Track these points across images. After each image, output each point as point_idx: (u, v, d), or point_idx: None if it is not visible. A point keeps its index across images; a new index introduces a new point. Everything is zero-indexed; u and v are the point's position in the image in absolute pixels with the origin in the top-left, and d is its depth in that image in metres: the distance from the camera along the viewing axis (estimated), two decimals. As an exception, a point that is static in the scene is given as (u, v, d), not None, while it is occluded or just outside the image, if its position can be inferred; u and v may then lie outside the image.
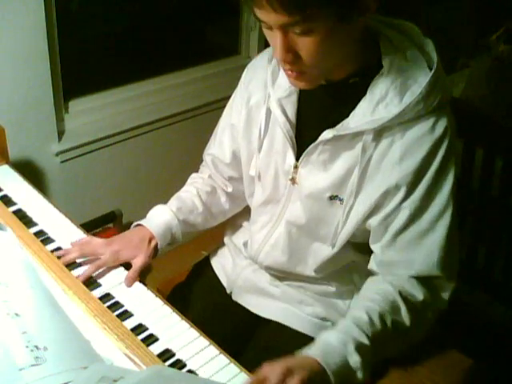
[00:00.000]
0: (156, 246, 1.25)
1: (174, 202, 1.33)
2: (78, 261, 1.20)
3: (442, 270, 1.08)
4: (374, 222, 1.10)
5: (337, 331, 1.01)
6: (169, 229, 1.27)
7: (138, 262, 1.20)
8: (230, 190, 1.37)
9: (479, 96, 2.15)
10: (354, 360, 0.98)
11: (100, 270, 1.19)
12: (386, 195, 1.06)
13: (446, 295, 1.12)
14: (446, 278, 1.11)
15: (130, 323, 1.07)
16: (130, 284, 1.17)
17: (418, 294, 1.09)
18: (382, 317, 1.04)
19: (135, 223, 1.29)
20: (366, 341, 1.00)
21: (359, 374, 0.99)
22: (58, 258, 1.19)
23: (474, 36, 3.17)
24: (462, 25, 3.21)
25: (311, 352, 0.97)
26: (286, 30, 0.95)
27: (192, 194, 1.35)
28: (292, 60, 0.99)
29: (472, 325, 1.63)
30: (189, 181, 1.41)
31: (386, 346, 1.06)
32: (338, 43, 0.98)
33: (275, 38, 0.96)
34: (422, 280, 1.10)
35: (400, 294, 1.08)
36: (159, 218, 1.28)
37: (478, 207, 1.63)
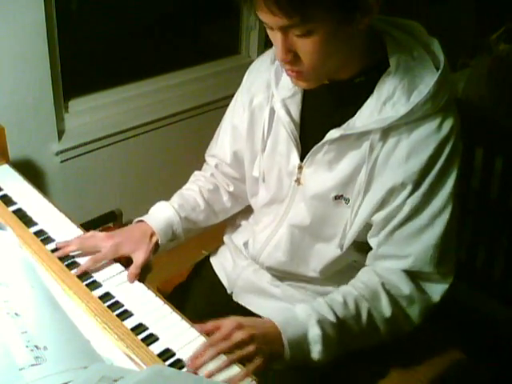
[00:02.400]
0: (157, 242, 1.25)
1: (175, 198, 1.33)
2: (77, 260, 1.20)
3: (435, 266, 1.09)
4: (377, 217, 1.10)
5: (306, 305, 1.03)
6: (170, 225, 1.27)
7: (139, 257, 1.20)
8: (231, 189, 1.37)
9: (479, 96, 2.14)
10: (314, 332, 0.99)
11: (100, 267, 1.19)
12: (392, 192, 1.07)
13: (437, 293, 1.12)
14: (440, 275, 1.11)
15: (130, 323, 1.07)
16: (132, 280, 1.17)
17: (404, 288, 1.09)
18: (357, 301, 1.05)
19: (137, 219, 1.29)
20: (332, 318, 1.01)
21: (316, 349, 0.99)
22: (53, 251, 1.19)
23: (473, 36, 3.17)
24: (462, 25, 3.21)
25: (275, 318, 0.99)
26: (286, 31, 0.96)
27: (194, 191, 1.35)
28: (292, 60, 1.00)
29: (472, 325, 1.63)
30: (191, 178, 1.41)
31: (357, 332, 1.06)
32: (340, 45, 0.99)
33: (277, 38, 0.98)
34: (413, 275, 1.10)
35: (383, 284, 1.09)
36: (160, 215, 1.28)
37: (478, 207, 1.63)
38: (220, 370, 0.95)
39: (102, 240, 1.21)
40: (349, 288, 1.09)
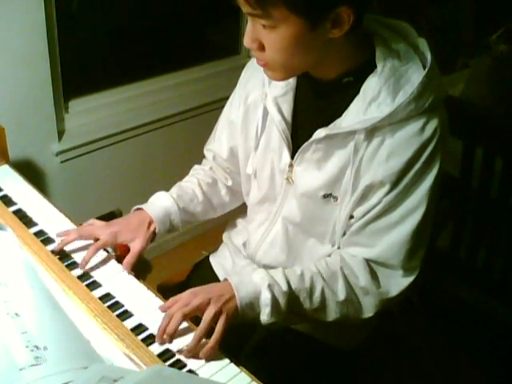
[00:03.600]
0: (154, 230, 1.26)
1: (174, 189, 1.35)
2: (77, 260, 1.20)
3: (401, 261, 1.11)
4: (357, 213, 1.12)
5: (263, 270, 1.09)
6: (168, 215, 1.29)
7: (136, 246, 1.22)
8: (229, 183, 1.38)
9: (479, 96, 2.14)
10: (265, 296, 1.04)
11: (100, 267, 1.19)
12: (370, 189, 1.08)
13: (396, 288, 1.14)
14: (403, 270, 1.13)
15: (130, 323, 1.07)
16: (128, 269, 1.18)
17: (361, 277, 1.12)
18: (313, 277, 1.10)
19: (135, 207, 1.30)
20: (284, 286, 1.06)
21: (266, 312, 1.05)
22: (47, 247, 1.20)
23: (473, 36, 3.17)
24: (462, 25, 3.21)
25: (230, 278, 1.06)
26: (254, 19, 0.98)
27: (193, 183, 1.37)
28: (257, 49, 1.02)
29: (472, 325, 1.63)
30: (191, 172, 1.43)
31: (307, 306, 1.10)
32: (307, 47, 1.00)
33: (248, 24, 1.01)
34: (375, 265, 1.13)
35: (342, 269, 1.12)
36: (159, 203, 1.29)
37: (478, 207, 1.63)
38: (197, 343, 1.00)
39: (101, 228, 1.22)
40: (310, 264, 1.14)
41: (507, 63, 2.14)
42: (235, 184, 1.38)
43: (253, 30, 1.00)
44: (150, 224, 1.25)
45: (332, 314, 1.12)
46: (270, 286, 1.05)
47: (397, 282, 1.13)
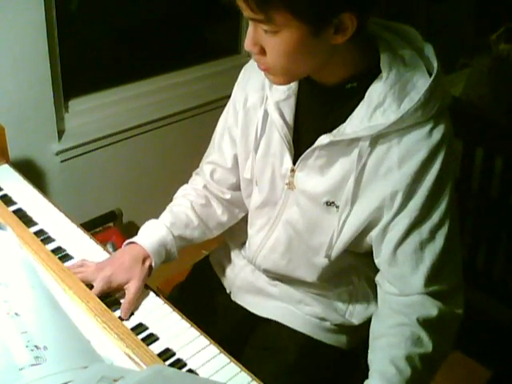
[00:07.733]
0: (150, 265, 1.19)
1: (167, 216, 1.27)
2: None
3: (448, 279, 1.08)
4: (374, 233, 1.09)
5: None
6: (163, 245, 1.22)
7: (131, 289, 1.13)
8: (228, 196, 1.32)
9: (479, 96, 2.15)
10: None
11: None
12: (384, 203, 1.05)
13: (458, 300, 1.11)
14: (455, 286, 1.10)
15: (130, 323, 1.07)
16: (126, 315, 1.10)
17: (432, 309, 1.07)
18: (408, 359, 1.01)
19: (127, 241, 1.22)
20: None
21: None
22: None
23: (473, 36, 3.17)
24: (462, 25, 3.21)
25: None
26: (255, 24, 0.96)
27: (186, 207, 1.29)
28: (258, 53, 1.00)
29: (472, 325, 1.63)
30: (180, 192, 1.34)
31: (422, 380, 1.04)
32: (310, 52, 0.98)
33: (249, 28, 0.99)
34: (432, 293, 1.08)
35: (418, 320, 1.05)
36: (153, 235, 1.21)
37: (478, 207, 1.63)
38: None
39: (92, 273, 1.14)
40: (389, 351, 1.03)
41: (507, 63, 2.14)
42: (233, 197, 1.32)
43: (254, 34, 0.98)
44: (144, 260, 1.17)
45: (438, 362, 1.08)
46: None
47: (456, 295, 1.11)
